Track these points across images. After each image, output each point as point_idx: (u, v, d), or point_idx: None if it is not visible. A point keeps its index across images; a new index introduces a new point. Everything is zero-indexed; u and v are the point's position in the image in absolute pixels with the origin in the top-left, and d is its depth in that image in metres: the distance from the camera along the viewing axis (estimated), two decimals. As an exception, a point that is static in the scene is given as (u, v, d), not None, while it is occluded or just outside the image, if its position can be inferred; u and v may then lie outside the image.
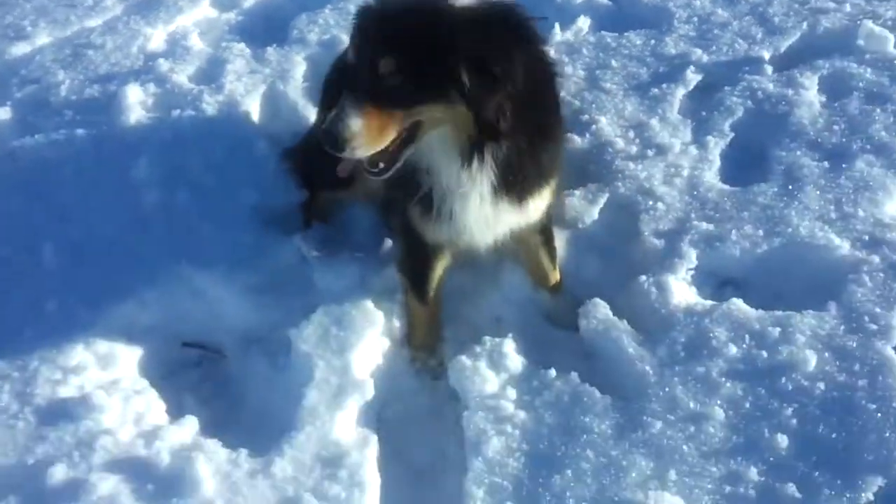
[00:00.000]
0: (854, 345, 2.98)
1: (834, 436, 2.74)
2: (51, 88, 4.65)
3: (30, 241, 3.64)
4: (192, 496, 2.71)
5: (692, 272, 3.36)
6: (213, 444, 2.91)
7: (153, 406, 3.08)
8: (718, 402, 2.88)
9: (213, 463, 2.81)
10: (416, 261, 3.25)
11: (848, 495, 2.58)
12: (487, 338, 3.20)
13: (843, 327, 3.04)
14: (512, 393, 3.02)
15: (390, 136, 2.55)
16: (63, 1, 5.50)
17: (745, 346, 3.03)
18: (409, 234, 3.13)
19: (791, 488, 2.62)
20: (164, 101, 4.44)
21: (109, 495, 2.71)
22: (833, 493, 2.60)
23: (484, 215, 2.89)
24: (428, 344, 3.38)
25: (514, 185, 2.82)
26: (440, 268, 3.25)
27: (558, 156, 3.01)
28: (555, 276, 3.41)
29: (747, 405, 2.86)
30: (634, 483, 2.70)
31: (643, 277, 3.32)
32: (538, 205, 3.00)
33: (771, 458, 2.72)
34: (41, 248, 3.59)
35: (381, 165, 2.64)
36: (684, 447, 2.78)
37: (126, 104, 4.37)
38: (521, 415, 2.94)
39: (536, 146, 2.80)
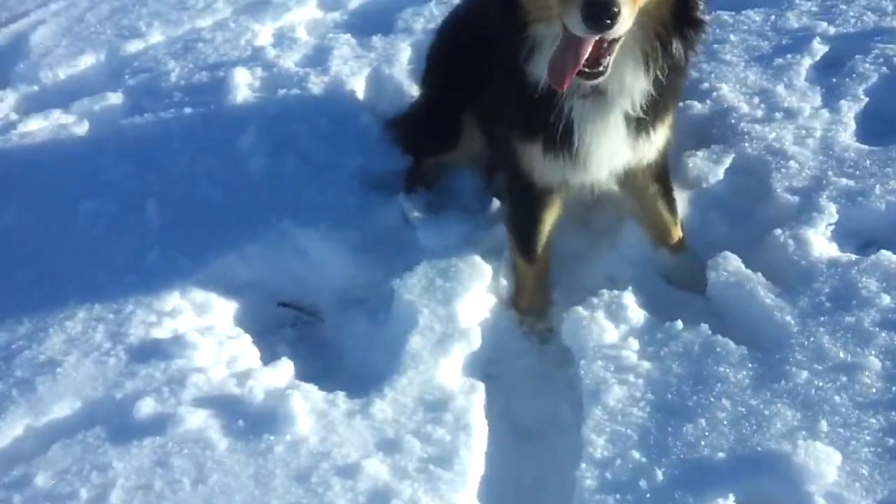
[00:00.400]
0: None
1: None
2: (161, 76, 4.72)
3: (136, 200, 3.62)
4: (285, 433, 2.53)
5: (832, 227, 3.03)
6: (309, 387, 2.74)
7: (247, 351, 2.95)
8: (873, 352, 2.54)
9: (308, 402, 2.64)
10: (525, 212, 3.04)
11: None
12: (605, 291, 2.96)
13: None
14: (634, 343, 2.75)
15: (636, 10, 2.25)
16: (176, 5, 5.66)
17: (901, 290, 2.69)
18: (518, 180, 2.92)
19: (973, 443, 2.25)
20: (270, 82, 4.44)
21: (198, 429, 2.56)
22: None
23: (612, 141, 2.67)
24: (536, 306, 3.14)
25: (651, 106, 2.61)
26: (549, 220, 3.02)
27: (685, 83, 2.85)
28: (676, 232, 3.14)
29: (912, 354, 2.51)
30: (780, 433, 2.37)
31: (778, 231, 3.02)
32: (661, 136, 2.80)
33: (943, 412, 2.35)
34: (145, 206, 3.56)
35: (605, 61, 2.31)
36: (836, 398, 2.44)
37: (233, 84, 4.39)
38: (646, 364, 2.66)
39: (682, 65, 2.59)
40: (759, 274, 2.89)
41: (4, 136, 4.33)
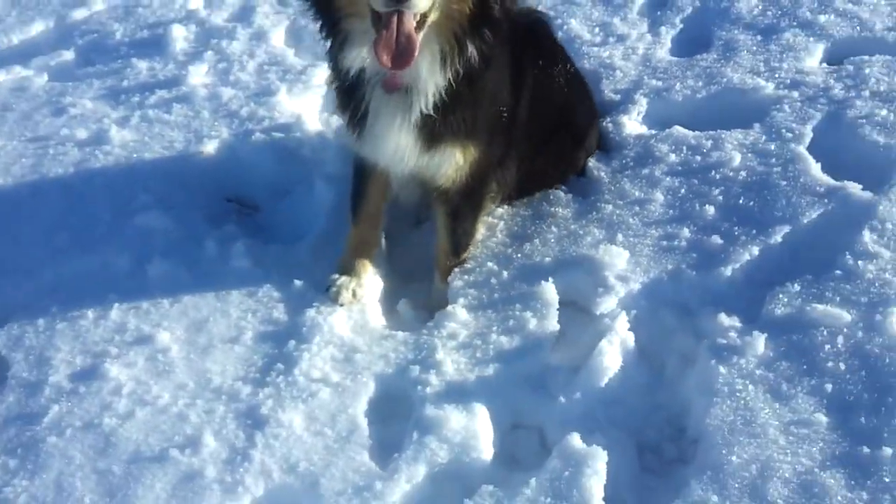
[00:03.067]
0: (772, 147, 3.63)
1: (752, 203, 3.38)
2: (107, 35, 5.48)
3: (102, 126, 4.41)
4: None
5: (642, 114, 4.04)
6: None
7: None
8: (660, 191, 3.54)
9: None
10: (354, 176, 3.33)
11: (761, 238, 3.22)
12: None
13: (764, 137, 3.70)
14: (492, 200, 3.68)
15: None
16: (116, -22, 6.39)
17: (682, 155, 3.69)
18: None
19: (716, 239, 3.26)
20: (203, 35, 5.25)
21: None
22: (748, 238, 3.24)
23: (398, 137, 2.88)
24: (349, 267, 3.28)
25: (445, 116, 2.86)
26: (372, 191, 3.30)
27: (486, 106, 3.01)
28: (444, 263, 3.30)
29: (683, 191, 3.52)
30: (589, 244, 3.35)
31: (601, 118, 4.00)
32: (460, 155, 2.99)
33: (700, 223, 3.36)
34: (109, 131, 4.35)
35: (406, 53, 2.54)
36: (630, 220, 3.43)
37: (172, 38, 5.19)
38: (500, 210, 3.60)
39: (478, 73, 2.81)
40: (586, 150, 3.87)
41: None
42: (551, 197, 3.63)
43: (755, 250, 3.18)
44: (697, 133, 3.79)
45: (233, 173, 4.13)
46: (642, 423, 2.84)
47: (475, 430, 2.71)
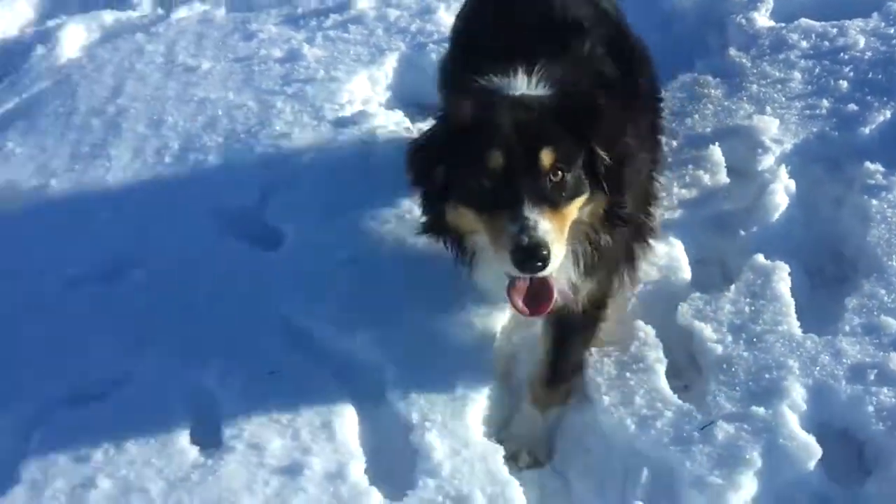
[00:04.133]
0: (892, 31, 4.24)
1: (880, 77, 4.02)
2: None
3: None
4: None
5: (769, 10, 4.65)
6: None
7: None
8: (797, 71, 4.18)
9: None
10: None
11: (892, 104, 3.86)
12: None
13: (883, 23, 4.31)
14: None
15: (564, 240, 2.41)
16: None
17: (812, 41, 4.32)
18: None
19: (852, 106, 3.91)
20: None
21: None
22: (881, 104, 3.88)
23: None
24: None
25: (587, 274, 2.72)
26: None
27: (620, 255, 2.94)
28: (541, 389, 3.01)
29: (817, 70, 4.15)
30: (742, 116, 4.02)
31: (732, 15, 4.63)
32: (587, 288, 2.81)
33: (836, 94, 4.00)
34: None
35: (543, 299, 2.47)
36: (774, 95, 4.09)
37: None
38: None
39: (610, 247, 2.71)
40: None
41: (166, 21, 5.75)
42: (700, 80, 4.29)
43: (888, 114, 3.82)
44: (823, 23, 4.40)
45: (417, 82, 4.84)
46: (806, 252, 3.54)
47: (676, 255, 3.45)
